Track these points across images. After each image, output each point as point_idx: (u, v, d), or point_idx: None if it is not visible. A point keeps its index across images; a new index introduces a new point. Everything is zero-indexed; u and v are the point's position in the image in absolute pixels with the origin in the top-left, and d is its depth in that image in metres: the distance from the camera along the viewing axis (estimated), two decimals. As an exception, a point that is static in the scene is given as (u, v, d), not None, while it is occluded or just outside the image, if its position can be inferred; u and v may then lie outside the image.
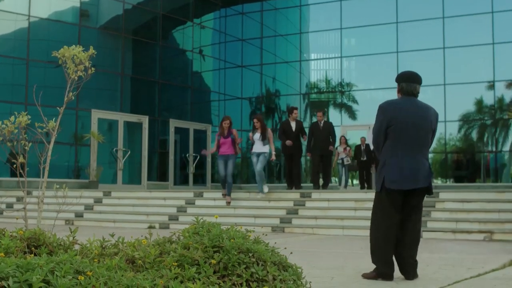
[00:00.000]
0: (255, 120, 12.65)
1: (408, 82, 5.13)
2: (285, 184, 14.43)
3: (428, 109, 5.12)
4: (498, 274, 5.42)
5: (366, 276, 5.01)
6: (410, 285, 4.71)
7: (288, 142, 13.12)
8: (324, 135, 13.52)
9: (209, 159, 21.67)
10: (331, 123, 14.10)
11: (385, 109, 5.11)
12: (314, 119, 22.06)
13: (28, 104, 16.11)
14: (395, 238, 4.95)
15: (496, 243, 9.02)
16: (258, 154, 12.43)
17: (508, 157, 19.24)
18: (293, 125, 13.49)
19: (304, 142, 13.86)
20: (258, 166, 12.31)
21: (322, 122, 13.66)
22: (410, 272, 4.97)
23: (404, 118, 5.00)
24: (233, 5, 23.87)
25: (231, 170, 12.33)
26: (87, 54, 5.00)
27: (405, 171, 4.94)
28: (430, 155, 19.55)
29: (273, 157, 12.57)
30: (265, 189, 12.43)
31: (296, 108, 13.91)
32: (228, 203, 12.48)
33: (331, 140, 13.64)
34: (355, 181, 18.35)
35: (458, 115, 19.48)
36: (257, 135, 12.46)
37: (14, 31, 17.59)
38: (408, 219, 5.03)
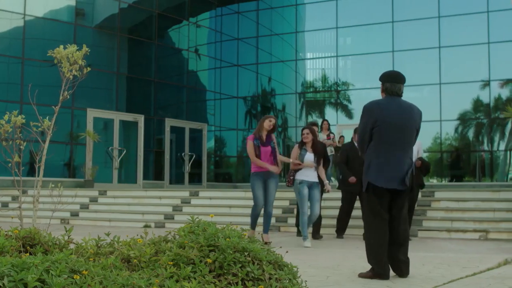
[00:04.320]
0: (305, 132, 8.36)
1: (393, 82, 5.14)
2: (283, 183, 12.31)
3: (412, 109, 5.14)
4: (493, 273, 5.43)
5: (362, 275, 5.02)
6: (405, 284, 4.71)
7: (352, 179, 9.26)
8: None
9: (204, 158, 21.65)
10: None
11: (369, 110, 5.12)
12: (309, 119, 22.13)
13: (23, 103, 16.06)
14: (387, 237, 4.97)
15: (491, 242, 9.05)
16: (311, 185, 8.25)
17: (503, 156, 19.29)
18: None
19: None
20: (317, 208, 8.25)
21: None
22: (402, 269, 5.01)
23: (389, 119, 5.02)
24: (229, 4, 23.86)
25: (274, 195, 8.20)
26: (81, 52, 4.99)
27: (389, 172, 4.99)
28: (426, 154, 19.59)
29: (329, 188, 8.55)
30: (309, 243, 8.13)
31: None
32: (269, 243, 7.57)
33: None
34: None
35: (454, 114, 19.50)
36: (310, 156, 8.24)
37: (9, 30, 17.53)
38: (395, 218, 5.05)
